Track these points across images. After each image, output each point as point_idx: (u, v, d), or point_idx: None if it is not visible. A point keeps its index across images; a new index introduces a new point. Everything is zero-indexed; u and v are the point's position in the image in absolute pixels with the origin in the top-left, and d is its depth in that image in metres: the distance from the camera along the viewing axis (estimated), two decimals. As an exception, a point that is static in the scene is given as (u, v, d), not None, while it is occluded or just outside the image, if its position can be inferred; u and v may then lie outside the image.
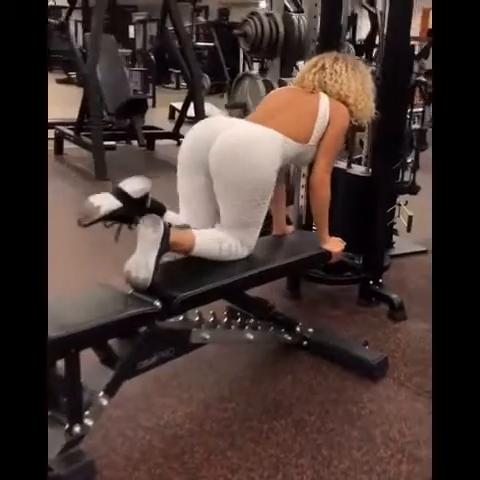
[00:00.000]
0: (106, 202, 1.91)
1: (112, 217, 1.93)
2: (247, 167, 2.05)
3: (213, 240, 2.13)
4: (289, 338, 2.52)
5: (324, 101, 2.29)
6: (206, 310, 2.24)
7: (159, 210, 2.07)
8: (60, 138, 6.59)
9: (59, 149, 6.68)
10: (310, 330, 2.59)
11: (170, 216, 2.14)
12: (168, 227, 1.98)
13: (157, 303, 1.92)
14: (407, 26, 2.77)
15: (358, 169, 3.06)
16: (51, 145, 6.80)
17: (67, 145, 6.66)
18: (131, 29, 12.43)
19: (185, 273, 2.12)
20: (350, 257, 3.23)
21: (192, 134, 2.18)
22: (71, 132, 6.32)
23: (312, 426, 2.11)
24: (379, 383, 2.39)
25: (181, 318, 2.17)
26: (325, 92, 2.36)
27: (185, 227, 2.10)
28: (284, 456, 1.96)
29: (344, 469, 1.91)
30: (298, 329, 2.54)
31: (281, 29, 3.93)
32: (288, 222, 3.37)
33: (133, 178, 1.97)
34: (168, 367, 2.33)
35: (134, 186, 1.95)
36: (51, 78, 12.79)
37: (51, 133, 6.93)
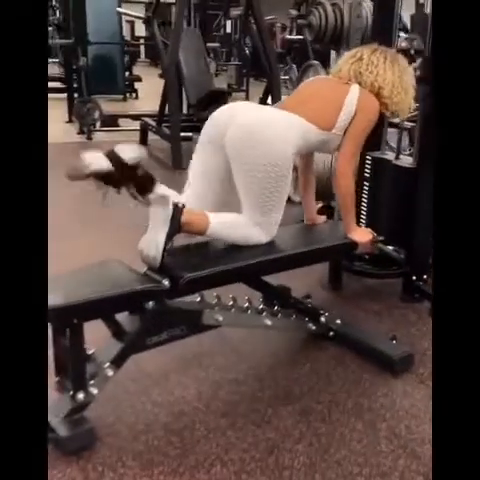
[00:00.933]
0: (97, 162, 1.87)
1: (100, 178, 1.89)
2: (261, 150, 2.07)
3: (229, 223, 2.16)
4: (313, 328, 2.51)
5: (354, 91, 2.27)
6: (226, 293, 2.30)
7: (149, 181, 1.98)
8: (145, 129, 6.86)
9: (144, 140, 6.95)
10: (338, 321, 2.56)
11: (161, 189, 2.04)
12: (180, 207, 2.03)
13: (165, 282, 1.99)
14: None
15: (405, 160, 2.97)
16: (137, 136, 7.11)
17: (152, 136, 6.92)
18: (228, 23, 12.66)
19: (200, 255, 2.18)
20: (397, 251, 3.15)
21: (213, 116, 2.22)
22: (154, 123, 6.56)
23: (317, 415, 2.10)
24: (399, 378, 2.33)
25: (198, 299, 2.25)
26: (360, 83, 2.34)
27: None
28: (281, 441, 1.97)
29: (338, 458, 1.89)
30: (323, 319, 2.52)
31: (346, 19, 3.86)
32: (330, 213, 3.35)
33: (130, 144, 1.94)
34: (193, 346, 2.44)
35: (129, 152, 1.90)
36: (154, 72, 13.27)
37: (137, 124, 7.26)
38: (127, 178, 1.91)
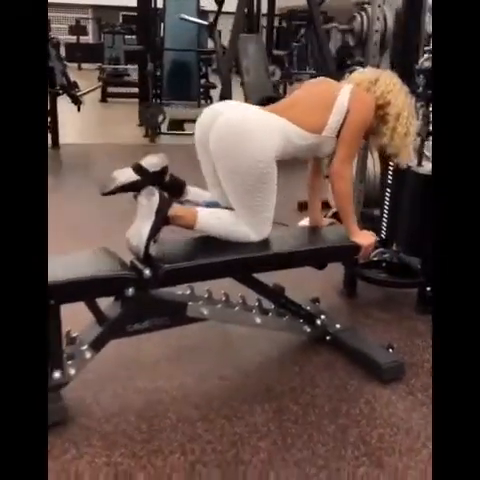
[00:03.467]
0: (124, 175, 2.08)
1: (130, 188, 2.08)
2: (241, 149, 2.09)
3: (218, 220, 2.19)
4: (308, 330, 2.48)
5: (345, 91, 2.23)
6: (220, 289, 2.34)
7: (177, 185, 2.21)
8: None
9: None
10: (337, 326, 2.53)
11: (192, 192, 2.26)
12: (167, 199, 2.09)
13: (146, 271, 2.05)
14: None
15: (427, 168, 2.88)
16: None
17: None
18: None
19: (188, 248, 2.22)
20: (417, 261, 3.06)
21: (199, 119, 2.26)
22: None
23: (291, 415, 2.08)
24: (388, 387, 2.26)
25: (188, 291, 2.30)
26: (368, 89, 2.30)
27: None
28: (247, 436, 1.97)
29: (298, 459, 1.87)
30: (319, 322, 2.49)
31: (390, 25, 3.80)
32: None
33: (153, 155, 2.13)
34: (189, 338, 2.50)
35: (151, 161, 2.11)
36: (234, 80, 13.46)
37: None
38: (155, 184, 2.08)
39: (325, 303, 2.76)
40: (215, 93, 12.27)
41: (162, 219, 2.08)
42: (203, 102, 11.70)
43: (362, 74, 2.42)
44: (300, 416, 2.08)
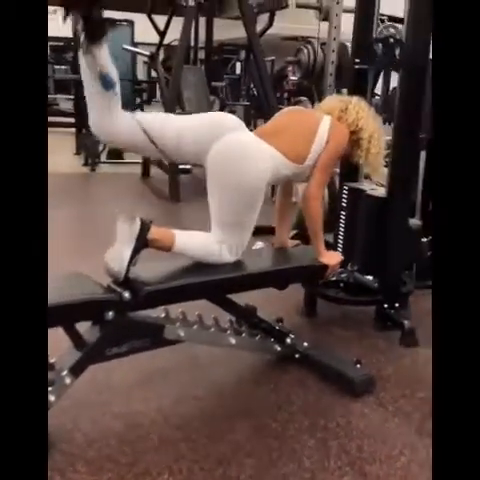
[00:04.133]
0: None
1: None
2: (238, 171, 2.18)
3: (195, 241, 2.24)
4: (279, 349, 2.54)
5: (325, 123, 2.38)
6: (194, 311, 2.36)
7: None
8: (147, 162, 7.02)
9: (146, 172, 7.12)
10: (305, 344, 2.60)
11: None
12: (147, 223, 2.12)
13: (126, 294, 2.06)
14: (427, 51, 2.76)
15: (380, 191, 3.04)
16: (139, 168, 7.28)
17: (154, 169, 7.08)
18: (238, 65, 13.01)
19: (165, 270, 2.25)
20: (373, 279, 3.20)
21: (195, 131, 2.30)
22: (155, 156, 6.71)
23: (272, 431, 2.13)
24: (359, 401, 2.35)
25: (163, 314, 2.31)
26: (340, 118, 2.46)
27: None
28: (232, 454, 1.99)
29: (285, 472, 1.91)
30: (289, 341, 2.55)
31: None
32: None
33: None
34: (160, 361, 2.50)
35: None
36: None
37: (139, 157, 7.43)
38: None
39: (288, 322, 2.82)
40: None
41: (142, 244, 2.10)
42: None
43: (331, 102, 2.58)
44: (280, 432, 2.13)
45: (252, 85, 11.44)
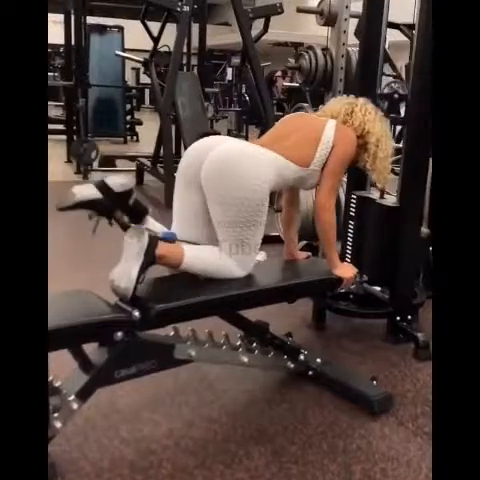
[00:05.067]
0: (86, 192, 1.93)
1: (90, 206, 1.95)
2: (235, 183, 2.06)
3: (204, 257, 2.13)
4: (292, 366, 2.44)
5: (330, 126, 2.28)
6: (202, 328, 2.25)
7: (140, 210, 2.10)
8: (141, 170, 6.91)
9: (139, 180, 7.00)
10: (318, 360, 2.50)
11: (150, 221, 2.16)
12: (155, 239, 2.01)
13: (136, 313, 1.94)
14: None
15: (390, 200, 2.96)
16: (133, 176, 7.16)
17: (147, 177, 6.97)
18: (229, 71, 12.96)
19: (174, 287, 2.14)
20: (382, 291, 3.11)
21: (188, 150, 2.23)
22: (149, 164, 6.61)
23: (291, 456, 2.02)
24: (378, 420, 2.25)
25: (172, 332, 2.20)
26: (345, 121, 2.36)
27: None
28: (250, 481, 1.89)
29: (308, 502, 1.81)
30: (302, 357, 2.45)
31: (336, 63, 3.91)
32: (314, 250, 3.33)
33: (119, 174, 2.01)
34: (168, 382, 2.39)
35: (117, 180, 1.99)
36: (157, 118, 13.46)
37: (133, 165, 7.32)
38: (117, 206, 1.98)
39: (297, 336, 2.73)
40: (141, 129, 12.23)
41: (150, 259, 2.00)
42: (129, 138, 11.63)
43: (336, 104, 2.47)
44: (299, 456, 2.02)
45: (244, 91, 11.41)
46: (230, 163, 2.08)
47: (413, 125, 2.70)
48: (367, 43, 2.85)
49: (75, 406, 1.90)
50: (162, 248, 2.03)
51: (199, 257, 2.13)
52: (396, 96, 2.89)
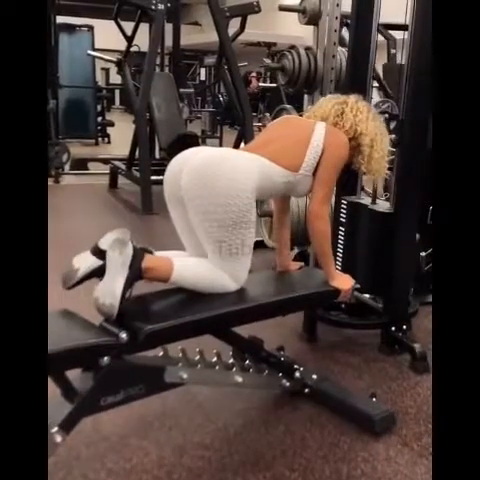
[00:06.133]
0: (85, 263, 1.83)
1: (95, 275, 1.83)
2: (216, 189, 1.92)
3: (195, 270, 1.99)
4: (287, 384, 2.30)
5: (319, 129, 2.14)
6: (192, 346, 2.10)
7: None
8: (114, 173, 6.71)
9: (113, 183, 6.80)
10: (314, 377, 2.37)
11: (167, 254, 2.05)
12: (140, 251, 1.87)
13: (123, 335, 1.79)
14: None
15: (382, 205, 2.84)
16: (107, 179, 6.96)
17: (122, 180, 6.77)
18: (202, 71, 12.78)
19: (163, 304, 1.99)
20: (374, 300, 3.00)
21: (168, 167, 2.09)
22: (124, 167, 6.42)
23: (292, 484, 1.89)
24: (381, 441, 2.13)
25: (161, 353, 2.05)
26: (336, 123, 2.23)
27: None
28: (251, 515, 1.75)
29: None
30: (298, 375, 2.32)
31: (320, 63, 3.79)
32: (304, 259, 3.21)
33: (112, 232, 1.86)
34: (155, 405, 2.24)
35: (110, 238, 1.85)
36: (128, 119, 13.24)
37: (106, 168, 7.13)
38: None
39: (289, 350, 2.61)
40: (112, 131, 11.99)
41: (136, 273, 1.84)
42: (101, 140, 11.38)
43: (326, 105, 2.32)
44: (301, 484, 1.89)
45: (218, 91, 11.28)
46: (208, 170, 1.94)
47: (408, 122, 2.57)
48: (356, 47, 2.74)
49: (58, 439, 1.73)
50: (149, 260, 1.88)
51: (190, 270, 1.98)
52: (386, 116, 2.74)
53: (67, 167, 7.64)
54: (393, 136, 2.60)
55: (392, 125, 2.68)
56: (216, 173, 1.94)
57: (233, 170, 1.96)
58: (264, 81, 11.52)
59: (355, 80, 2.78)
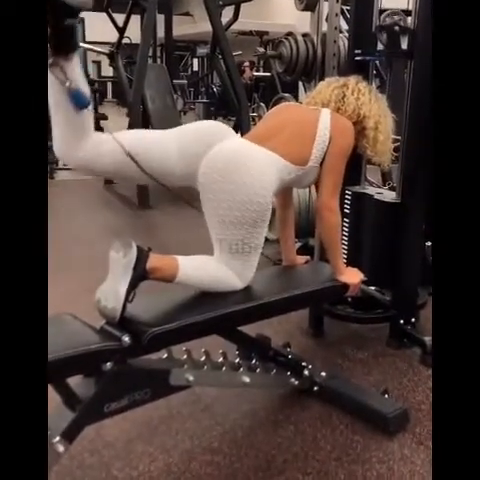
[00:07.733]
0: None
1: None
2: (238, 186, 1.83)
3: (203, 268, 1.91)
4: (296, 382, 2.23)
5: (324, 118, 2.04)
6: (197, 346, 2.02)
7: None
8: (110, 167, 6.60)
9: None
10: (322, 374, 2.30)
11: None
12: (144, 251, 1.78)
13: (126, 338, 1.70)
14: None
15: (388, 195, 2.76)
16: (102, 174, 6.85)
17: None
18: (195, 62, 12.63)
19: (167, 305, 1.91)
20: (381, 292, 2.92)
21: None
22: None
23: (306, 489, 1.82)
24: (395, 439, 2.06)
25: (165, 355, 1.97)
26: (338, 109, 2.14)
27: None
28: (265, 524, 1.67)
29: None
30: (306, 373, 2.24)
31: (318, 50, 3.69)
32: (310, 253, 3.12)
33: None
34: (160, 408, 2.16)
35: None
36: (121, 112, 13.11)
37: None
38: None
39: (295, 346, 2.52)
40: (105, 124, 11.84)
41: (140, 274, 1.76)
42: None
43: (325, 90, 2.22)
44: (315, 488, 1.82)
45: (211, 82, 11.16)
46: (233, 164, 1.84)
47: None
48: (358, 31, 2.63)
49: (61, 449, 1.65)
50: (153, 260, 1.79)
51: (196, 269, 1.89)
52: (397, 28, 2.58)
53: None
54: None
55: (403, 40, 2.53)
56: (242, 170, 1.85)
57: (254, 171, 1.87)
58: (257, 70, 11.37)
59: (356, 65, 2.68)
